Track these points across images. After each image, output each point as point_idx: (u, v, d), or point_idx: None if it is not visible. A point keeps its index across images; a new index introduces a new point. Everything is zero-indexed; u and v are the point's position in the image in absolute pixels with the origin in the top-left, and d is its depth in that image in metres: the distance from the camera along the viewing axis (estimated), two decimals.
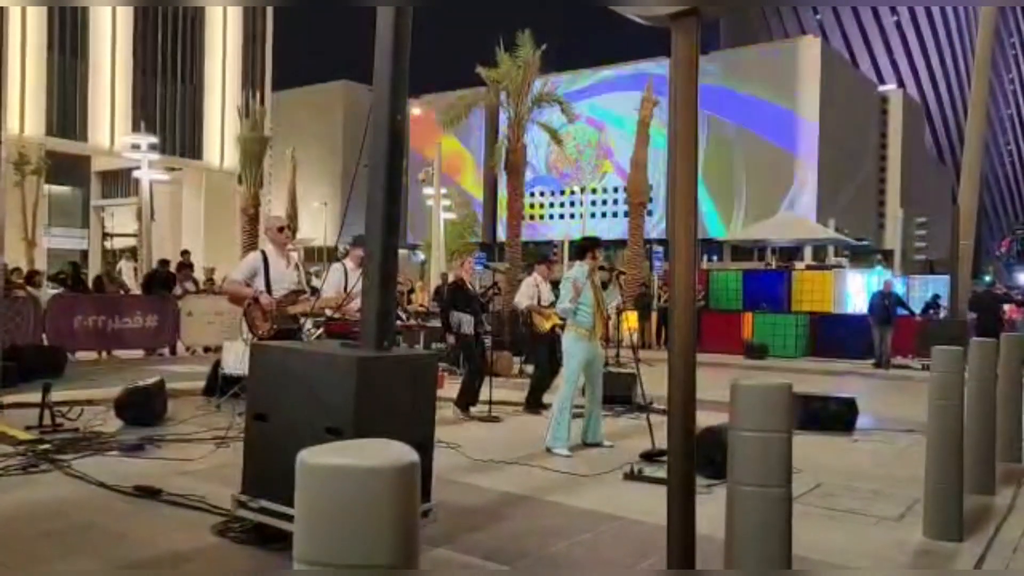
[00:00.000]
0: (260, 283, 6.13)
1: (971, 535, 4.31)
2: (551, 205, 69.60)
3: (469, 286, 8.41)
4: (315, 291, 6.82)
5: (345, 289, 6.65)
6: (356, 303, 6.52)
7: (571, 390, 6.39)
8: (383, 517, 1.09)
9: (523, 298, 8.39)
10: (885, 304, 14.61)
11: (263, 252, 6.35)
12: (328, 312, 6.75)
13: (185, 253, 16.46)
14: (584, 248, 6.80)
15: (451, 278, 8.85)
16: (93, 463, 5.30)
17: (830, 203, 56.57)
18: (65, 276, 14.10)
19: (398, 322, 13.09)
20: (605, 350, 8.46)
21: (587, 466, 5.76)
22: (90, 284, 15.20)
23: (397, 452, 1.14)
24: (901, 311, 15.07)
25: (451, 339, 8.39)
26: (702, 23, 2.78)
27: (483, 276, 17.62)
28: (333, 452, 1.13)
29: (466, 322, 8.07)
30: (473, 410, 7.95)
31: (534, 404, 8.14)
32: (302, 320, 6.35)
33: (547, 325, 8.12)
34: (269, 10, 33.68)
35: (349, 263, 7.11)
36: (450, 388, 8.18)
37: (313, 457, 1.11)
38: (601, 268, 6.88)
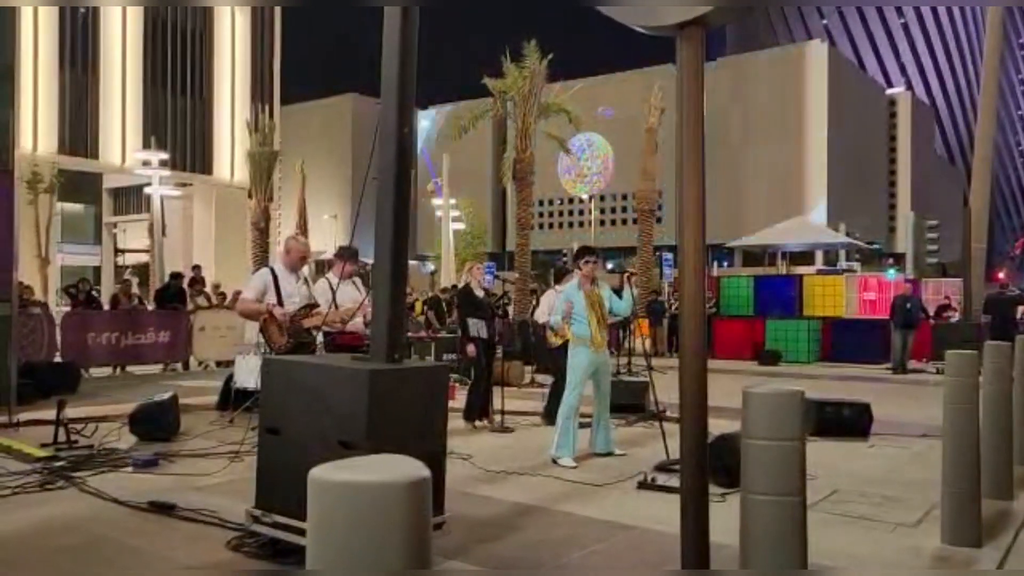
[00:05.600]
0: (272, 299, 6.23)
1: (990, 540, 4.27)
2: (560, 214, 69.65)
3: (479, 291, 8.36)
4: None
5: (334, 300, 6.68)
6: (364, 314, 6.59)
7: (574, 399, 6.36)
8: (395, 532, 1.09)
9: (542, 314, 8.41)
10: (907, 307, 14.47)
11: (272, 269, 6.46)
12: (336, 324, 6.80)
13: (196, 268, 16.55)
14: (575, 259, 6.87)
15: (461, 284, 8.82)
16: (108, 479, 5.32)
17: (840, 207, 56.40)
18: (76, 291, 14.16)
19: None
20: (616, 358, 8.44)
21: (600, 475, 5.74)
22: (105, 301, 15.28)
23: (408, 467, 1.14)
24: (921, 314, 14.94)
25: (471, 348, 7.97)
26: (707, 31, 2.79)
27: (492, 286, 17.63)
28: (344, 468, 1.13)
29: (477, 326, 8.02)
30: (484, 419, 7.93)
31: (552, 415, 8.08)
32: (315, 333, 6.40)
33: (557, 340, 8.12)
34: (277, 24, 33.93)
35: (332, 276, 7.13)
36: (461, 399, 8.18)
37: (324, 473, 1.12)
38: (611, 272, 6.90)
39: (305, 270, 6.61)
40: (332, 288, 6.76)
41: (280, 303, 6.21)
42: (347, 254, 7.39)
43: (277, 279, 6.32)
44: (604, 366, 6.58)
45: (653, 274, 22.86)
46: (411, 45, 3.94)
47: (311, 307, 6.34)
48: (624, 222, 62.58)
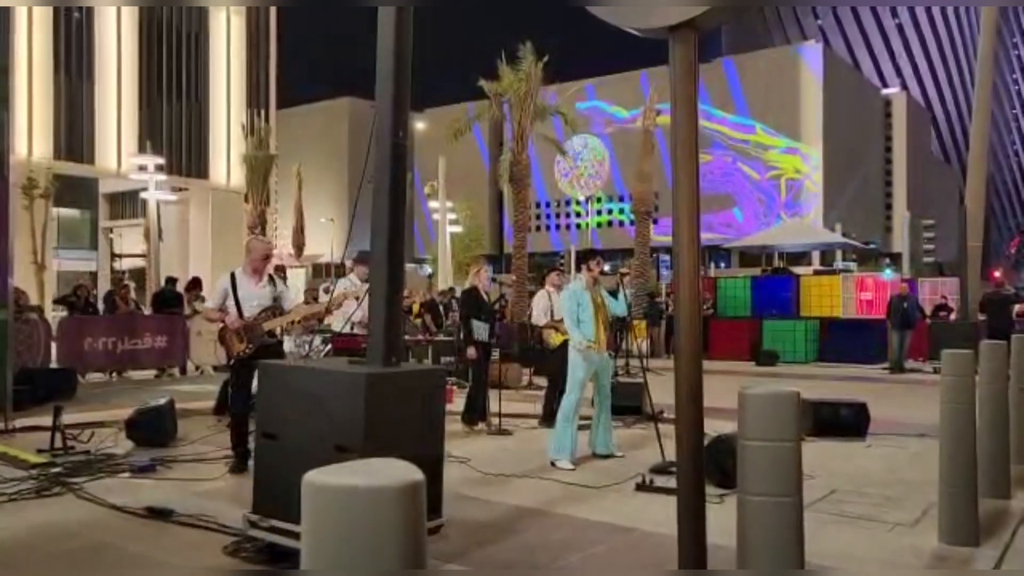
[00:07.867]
0: (231, 304, 6.03)
1: (987, 539, 4.27)
2: (556, 216, 69.69)
3: (484, 294, 8.37)
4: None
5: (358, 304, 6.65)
6: (343, 313, 6.55)
7: (575, 401, 6.36)
8: (389, 535, 1.09)
9: (540, 316, 8.43)
10: (904, 307, 14.49)
11: (232, 273, 6.23)
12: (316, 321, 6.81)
13: (195, 280, 16.54)
14: (579, 262, 6.90)
15: (466, 286, 8.81)
16: (105, 485, 5.31)
17: (836, 207, 56.52)
18: (76, 299, 14.08)
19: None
20: (614, 359, 8.44)
21: (598, 478, 5.74)
22: (100, 302, 15.23)
23: (402, 471, 1.14)
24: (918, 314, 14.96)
25: (471, 351, 7.95)
26: (700, 33, 2.80)
27: (491, 289, 17.61)
28: (339, 472, 1.13)
29: (480, 329, 8.01)
30: (482, 422, 7.92)
31: (549, 418, 8.09)
32: (280, 334, 6.36)
33: (557, 340, 8.09)
34: (273, 28, 33.90)
35: (355, 278, 7.15)
36: (459, 402, 8.17)
37: (319, 477, 1.12)
38: (604, 273, 6.90)
39: (301, 272, 6.62)
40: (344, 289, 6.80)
41: (239, 308, 5.99)
42: (360, 257, 7.44)
43: (235, 284, 6.08)
44: (605, 367, 6.59)
45: (651, 276, 22.86)
46: (406, 46, 3.94)
47: (272, 310, 6.08)
48: (621, 224, 62.63)
